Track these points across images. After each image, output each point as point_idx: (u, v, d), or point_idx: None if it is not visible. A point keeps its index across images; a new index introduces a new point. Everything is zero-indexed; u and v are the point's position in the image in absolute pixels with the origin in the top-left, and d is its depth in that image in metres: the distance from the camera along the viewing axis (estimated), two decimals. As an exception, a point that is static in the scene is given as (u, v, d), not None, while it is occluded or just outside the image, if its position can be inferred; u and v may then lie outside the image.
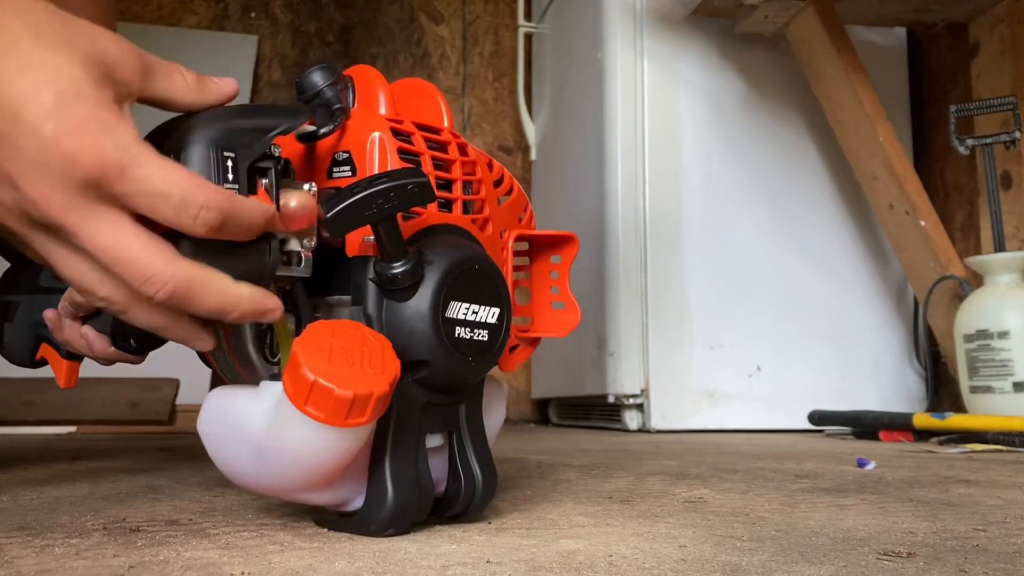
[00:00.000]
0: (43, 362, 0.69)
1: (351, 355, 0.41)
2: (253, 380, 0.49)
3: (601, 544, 0.45)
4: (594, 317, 1.80)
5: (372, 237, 0.46)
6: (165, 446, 1.21)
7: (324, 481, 0.45)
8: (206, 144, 0.41)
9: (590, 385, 1.86)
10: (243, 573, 0.37)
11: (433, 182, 0.50)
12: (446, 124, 0.54)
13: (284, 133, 0.45)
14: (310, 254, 0.46)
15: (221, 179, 0.41)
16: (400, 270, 0.45)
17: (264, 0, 2.43)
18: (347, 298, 0.47)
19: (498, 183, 0.55)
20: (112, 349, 0.66)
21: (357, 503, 0.48)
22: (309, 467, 0.43)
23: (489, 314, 0.49)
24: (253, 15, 2.42)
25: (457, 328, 0.47)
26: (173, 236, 0.40)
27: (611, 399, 1.77)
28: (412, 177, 0.44)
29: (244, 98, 2.25)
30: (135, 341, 0.64)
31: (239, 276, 0.41)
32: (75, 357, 0.69)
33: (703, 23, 1.84)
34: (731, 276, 1.80)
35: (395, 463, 0.46)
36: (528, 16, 2.42)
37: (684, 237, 1.78)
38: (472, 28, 2.56)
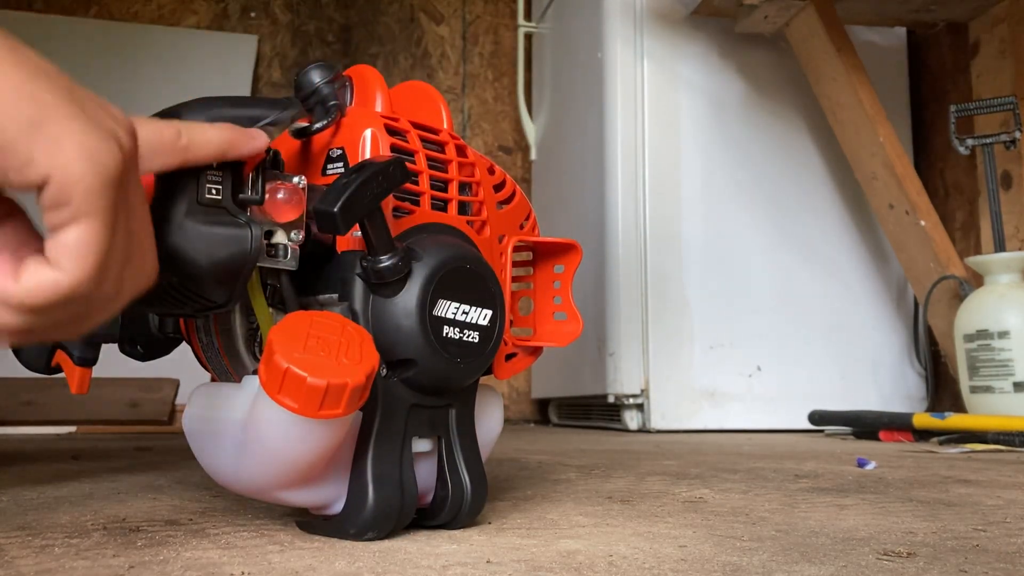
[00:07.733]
0: (58, 368, 0.70)
1: (328, 345, 0.40)
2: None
3: (601, 544, 0.45)
4: (594, 317, 1.80)
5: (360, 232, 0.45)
6: (165, 446, 1.21)
7: (302, 478, 0.43)
8: None
9: (590, 385, 1.86)
10: (243, 573, 0.37)
11: (427, 180, 0.49)
12: (445, 126, 0.53)
13: (273, 124, 0.44)
14: (297, 247, 0.45)
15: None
16: (386, 264, 0.44)
17: (264, 0, 2.43)
18: (337, 296, 0.46)
19: (499, 187, 0.54)
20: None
21: (340, 506, 0.46)
22: (285, 461, 0.42)
23: (480, 316, 0.48)
24: (253, 15, 2.42)
25: (445, 327, 0.46)
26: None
27: (611, 399, 1.77)
28: (388, 161, 0.44)
29: (244, 98, 2.25)
30: (142, 347, 0.64)
31: (219, 262, 0.41)
32: (87, 363, 0.70)
33: (703, 23, 1.84)
34: (731, 276, 1.80)
35: (377, 464, 0.45)
36: (528, 16, 2.42)
37: (684, 237, 1.78)
38: (472, 28, 2.56)
